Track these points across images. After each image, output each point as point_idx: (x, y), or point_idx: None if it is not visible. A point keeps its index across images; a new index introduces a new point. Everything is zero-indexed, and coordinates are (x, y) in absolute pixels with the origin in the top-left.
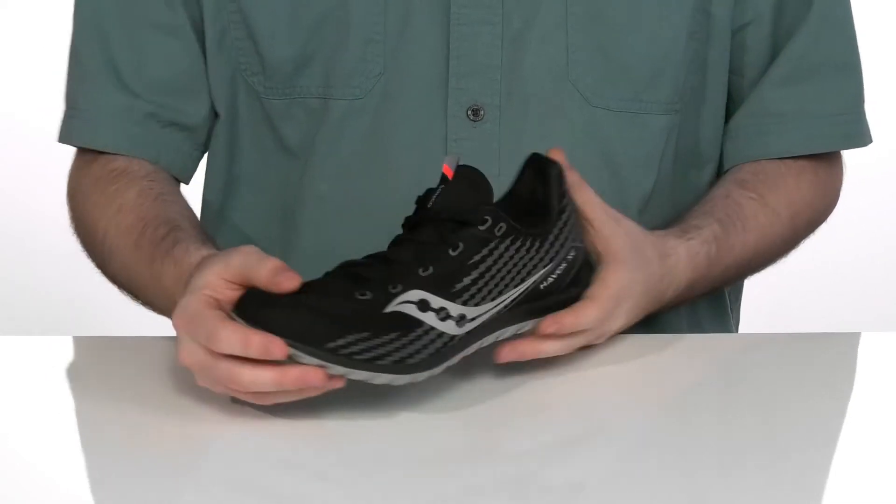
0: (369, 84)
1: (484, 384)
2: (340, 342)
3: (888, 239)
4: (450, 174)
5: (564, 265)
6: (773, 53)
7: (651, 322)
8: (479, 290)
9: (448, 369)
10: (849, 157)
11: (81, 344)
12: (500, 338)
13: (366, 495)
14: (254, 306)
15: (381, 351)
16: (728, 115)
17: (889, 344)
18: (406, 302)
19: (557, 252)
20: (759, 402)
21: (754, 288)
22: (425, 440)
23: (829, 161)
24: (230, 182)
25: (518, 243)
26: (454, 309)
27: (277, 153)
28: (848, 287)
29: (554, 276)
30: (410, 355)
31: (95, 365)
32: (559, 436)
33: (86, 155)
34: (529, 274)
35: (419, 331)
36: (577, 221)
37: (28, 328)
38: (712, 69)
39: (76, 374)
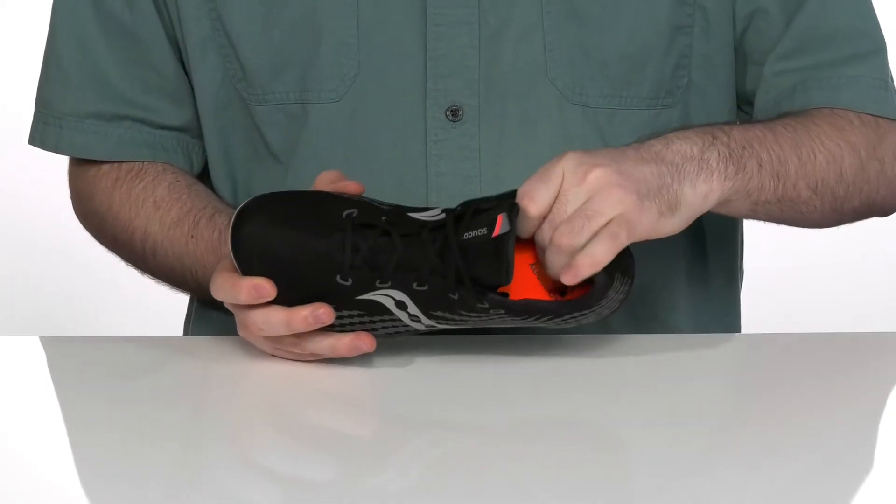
0: (345, 87)
1: (481, 383)
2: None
3: (888, 239)
4: (497, 228)
5: (565, 324)
6: None
7: (651, 321)
8: (457, 324)
9: (447, 365)
10: None
11: (81, 344)
12: (495, 326)
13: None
14: (246, 252)
15: (341, 322)
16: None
17: (889, 344)
18: (386, 295)
19: (560, 323)
20: (759, 402)
21: (755, 288)
22: (427, 438)
23: (878, 134)
24: (233, 186)
25: (516, 316)
26: (426, 320)
27: (268, 159)
28: (848, 287)
29: (549, 328)
30: (368, 331)
31: (95, 365)
32: (558, 435)
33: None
34: (517, 325)
35: (386, 317)
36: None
37: (28, 328)
38: (707, 62)
39: (76, 374)
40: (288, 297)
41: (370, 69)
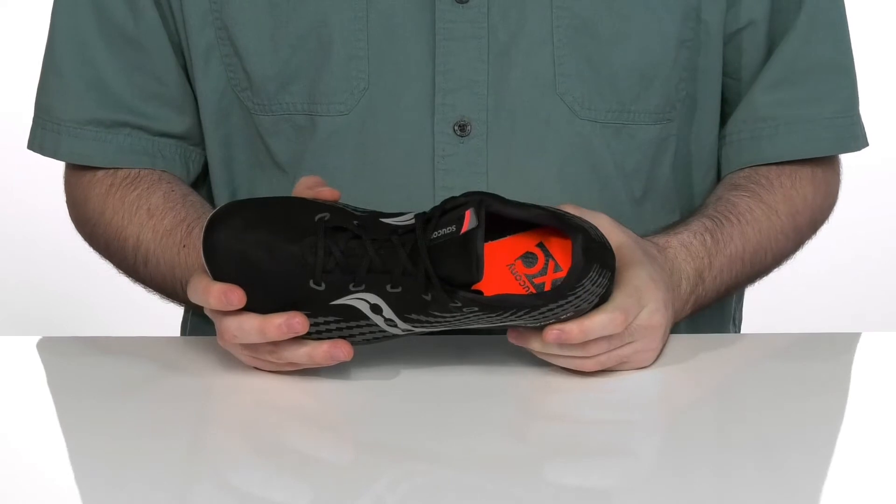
0: (354, 100)
1: (479, 381)
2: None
3: (888, 239)
4: (465, 224)
5: (543, 319)
6: (769, 55)
7: None
8: (433, 325)
9: (441, 363)
10: (849, 156)
11: (81, 344)
12: (471, 326)
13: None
14: (218, 257)
15: (318, 329)
16: (724, 116)
17: (889, 344)
18: (360, 299)
19: (538, 318)
20: (758, 402)
21: (754, 288)
22: (416, 437)
23: (826, 160)
24: (232, 194)
25: (491, 312)
26: (402, 324)
27: (271, 168)
28: (848, 287)
29: (527, 325)
30: (346, 337)
31: (94, 365)
32: (557, 434)
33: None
34: (494, 323)
35: (363, 322)
36: (604, 289)
37: (28, 328)
38: (705, 75)
39: (75, 375)
40: (261, 304)
41: (379, 83)
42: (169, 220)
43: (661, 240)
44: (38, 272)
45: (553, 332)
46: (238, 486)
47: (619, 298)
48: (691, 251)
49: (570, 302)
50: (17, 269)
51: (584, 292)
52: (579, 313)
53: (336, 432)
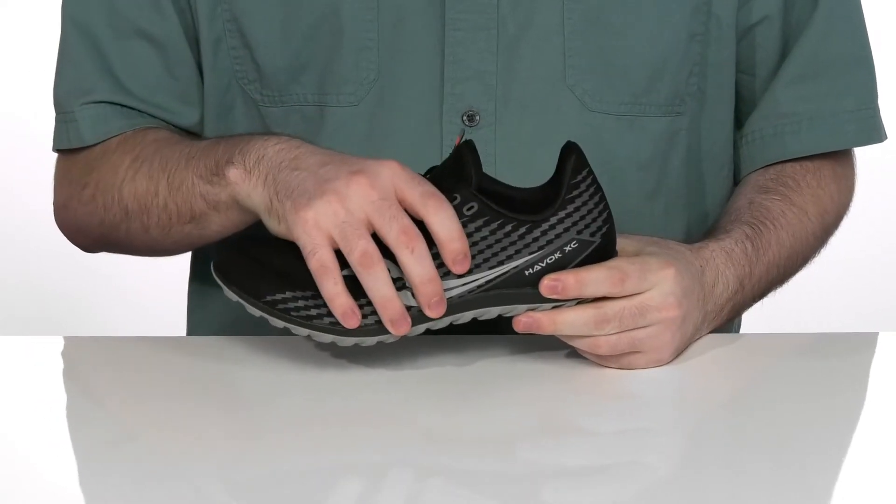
0: (364, 91)
1: (476, 379)
2: (279, 296)
3: (889, 239)
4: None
5: (558, 255)
6: (784, 51)
7: None
8: (441, 264)
9: (439, 352)
10: (862, 151)
11: (81, 344)
12: (482, 317)
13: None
14: (225, 264)
15: (322, 310)
16: (739, 115)
17: (890, 344)
18: None
19: (552, 241)
20: (759, 402)
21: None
22: (415, 428)
23: (844, 155)
24: None
25: (495, 226)
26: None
27: None
28: (848, 287)
29: (542, 263)
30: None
31: (95, 365)
32: (558, 434)
33: (76, 156)
34: (510, 258)
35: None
36: (599, 215)
37: (28, 328)
38: (716, 70)
39: (76, 374)
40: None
41: (389, 73)
42: (155, 142)
43: (699, 242)
44: (38, 272)
45: (549, 282)
46: (239, 486)
47: (622, 261)
48: (733, 258)
49: (569, 215)
50: (16, 269)
51: (583, 205)
52: (582, 247)
53: (337, 431)
